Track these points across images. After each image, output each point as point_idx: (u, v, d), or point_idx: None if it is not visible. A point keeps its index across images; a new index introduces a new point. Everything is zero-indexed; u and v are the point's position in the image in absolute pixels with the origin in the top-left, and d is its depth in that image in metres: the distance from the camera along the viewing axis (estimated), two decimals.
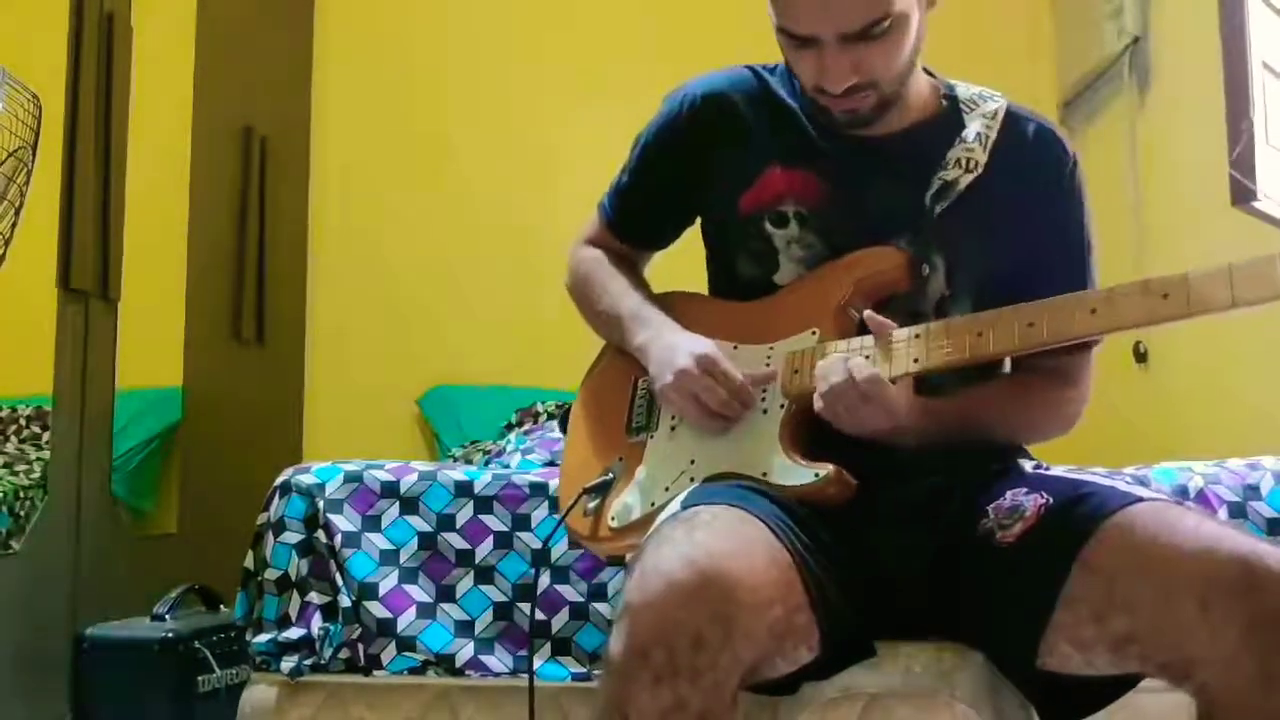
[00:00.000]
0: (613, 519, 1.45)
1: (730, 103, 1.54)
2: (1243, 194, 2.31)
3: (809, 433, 1.39)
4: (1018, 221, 1.46)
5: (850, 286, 1.42)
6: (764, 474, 1.36)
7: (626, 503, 1.44)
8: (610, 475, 1.48)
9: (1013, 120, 1.50)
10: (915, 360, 1.32)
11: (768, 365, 1.43)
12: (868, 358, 1.34)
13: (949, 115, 1.50)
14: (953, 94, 1.52)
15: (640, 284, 1.65)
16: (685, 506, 1.26)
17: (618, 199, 1.67)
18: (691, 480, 1.40)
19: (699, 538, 1.16)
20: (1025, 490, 1.32)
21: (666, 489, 1.41)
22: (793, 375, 1.41)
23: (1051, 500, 1.28)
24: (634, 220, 1.67)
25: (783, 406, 1.40)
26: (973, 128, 1.48)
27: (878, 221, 1.44)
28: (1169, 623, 1.14)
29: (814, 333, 1.42)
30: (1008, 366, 1.50)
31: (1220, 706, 1.12)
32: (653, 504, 1.41)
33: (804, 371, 1.40)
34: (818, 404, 1.34)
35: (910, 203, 1.45)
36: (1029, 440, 1.51)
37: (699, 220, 1.63)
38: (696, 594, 1.10)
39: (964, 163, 1.45)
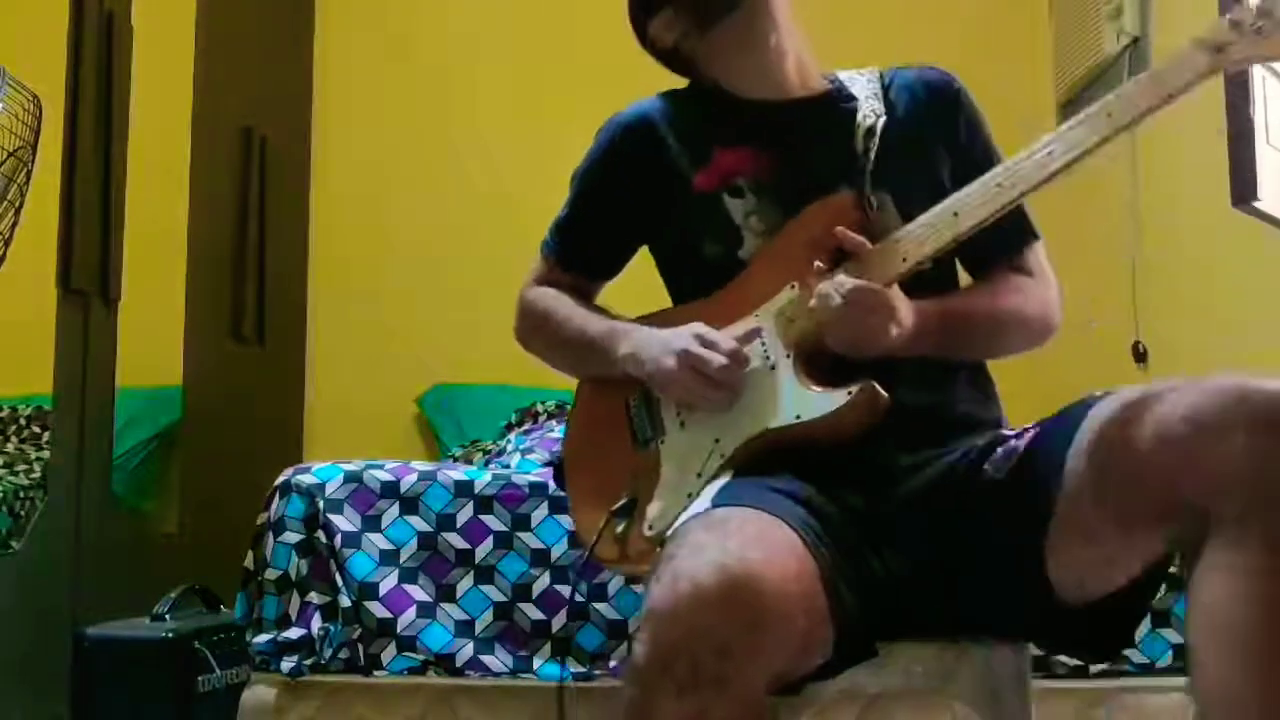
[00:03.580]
0: (649, 528, 1.43)
1: (658, 115, 1.62)
2: (1243, 194, 2.31)
3: (823, 372, 1.41)
4: (934, 140, 1.55)
5: (813, 232, 1.45)
6: (797, 416, 1.38)
7: (660, 507, 1.43)
8: (632, 495, 1.47)
9: (890, 76, 1.60)
10: (904, 259, 1.37)
11: (758, 326, 1.46)
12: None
13: (837, 90, 1.60)
14: (835, 78, 1.62)
15: (600, 310, 1.65)
16: (715, 506, 1.25)
17: (560, 233, 1.68)
18: (721, 456, 1.41)
19: (730, 544, 1.13)
20: (1016, 436, 1.37)
21: (699, 474, 1.41)
22: (788, 324, 1.43)
23: (1039, 429, 1.34)
24: (579, 250, 1.68)
25: (789, 356, 1.42)
26: (861, 94, 1.57)
27: (821, 176, 1.50)
28: (1166, 456, 1.15)
29: (793, 286, 1.44)
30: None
31: (1216, 535, 1.12)
32: (688, 495, 1.40)
33: (798, 319, 1.42)
34: (828, 335, 1.37)
35: (844, 156, 1.51)
36: (1020, 334, 1.55)
37: (648, 248, 1.66)
38: (726, 601, 1.08)
39: (871, 113, 1.54)
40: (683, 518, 1.29)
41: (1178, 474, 1.15)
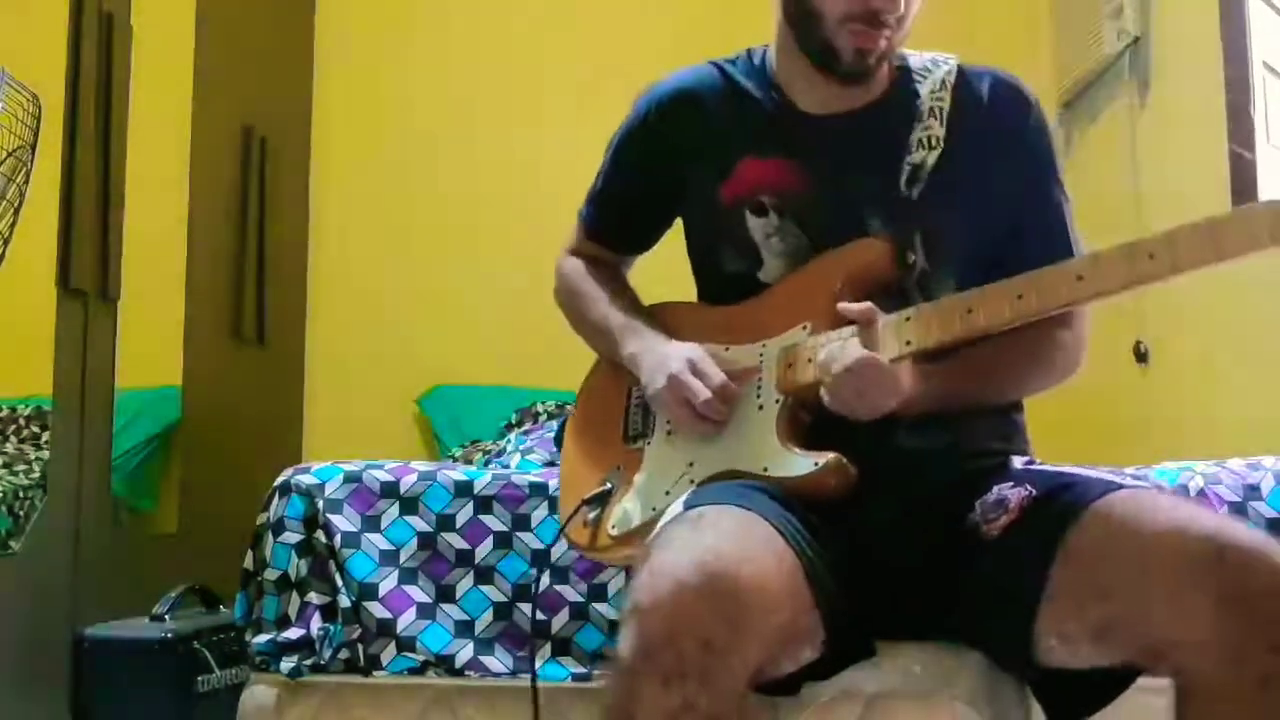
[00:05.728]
0: (613, 527, 1.45)
1: (698, 98, 1.56)
2: (1243, 194, 2.31)
3: (806, 426, 1.40)
4: (989, 185, 1.47)
5: (839, 279, 1.42)
6: (764, 468, 1.36)
7: (626, 510, 1.44)
8: (608, 485, 1.48)
9: (964, 83, 1.50)
10: (908, 343, 1.33)
11: (760, 361, 1.44)
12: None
13: (903, 87, 1.50)
14: (905, 64, 1.52)
15: (626, 293, 1.66)
16: (688, 507, 1.26)
17: (595, 205, 1.68)
18: (691, 482, 1.40)
19: (707, 540, 1.16)
20: (1011, 485, 1.33)
21: (667, 493, 1.41)
22: (786, 369, 1.41)
23: (1035, 492, 1.30)
24: (613, 225, 1.68)
25: (778, 401, 1.40)
26: (926, 101, 1.48)
27: (852, 205, 1.46)
28: (1144, 605, 1.15)
29: (805, 327, 1.42)
30: None
31: (1194, 688, 1.13)
32: (653, 509, 1.41)
33: (798, 365, 1.40)
34: (825, 395, 1.34)
35: (882, 185, 1.46)
36: (1035, 387, 1.51)
37: (681, 223, 1.63)
38: (705, 596, 1.10)
39: (926, 142, 1.46)
40: (662, 520, 1.30)
41: (1149, 632, 1.15)
